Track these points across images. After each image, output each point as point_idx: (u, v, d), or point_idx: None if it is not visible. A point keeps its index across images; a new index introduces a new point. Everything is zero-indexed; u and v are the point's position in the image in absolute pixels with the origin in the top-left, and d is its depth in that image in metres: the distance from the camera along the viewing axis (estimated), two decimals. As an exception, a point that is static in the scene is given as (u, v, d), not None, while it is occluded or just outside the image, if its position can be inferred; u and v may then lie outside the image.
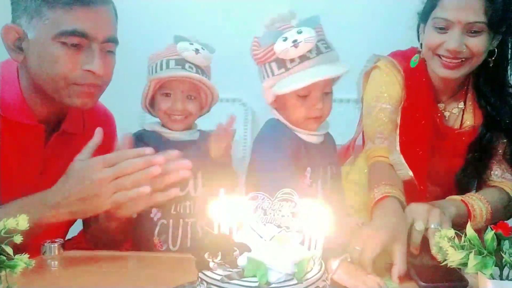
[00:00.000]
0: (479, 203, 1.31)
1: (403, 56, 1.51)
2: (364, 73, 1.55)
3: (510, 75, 1.46)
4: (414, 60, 1.46)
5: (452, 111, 1.47)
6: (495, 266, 0.85)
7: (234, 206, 0.83)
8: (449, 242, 0.90)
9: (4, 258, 0.82)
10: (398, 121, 1.44)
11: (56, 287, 0.95)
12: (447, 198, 1.34)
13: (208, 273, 0.75)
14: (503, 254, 0.85)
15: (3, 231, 0.83)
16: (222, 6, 2.58)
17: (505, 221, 0.89)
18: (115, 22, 1.19)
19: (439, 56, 1.36)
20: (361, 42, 2.21)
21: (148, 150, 1.09)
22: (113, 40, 1.18)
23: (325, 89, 1.21)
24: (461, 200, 1.31)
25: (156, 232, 1.28)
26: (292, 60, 1.17)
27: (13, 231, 0.84)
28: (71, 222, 1.37)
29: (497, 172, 1.43)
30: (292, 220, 0.80)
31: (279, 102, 1.25)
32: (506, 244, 0.86)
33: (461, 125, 1.46)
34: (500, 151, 1.43)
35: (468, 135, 1.44)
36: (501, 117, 1.40)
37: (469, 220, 1.28)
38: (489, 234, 0.87)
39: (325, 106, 1.22)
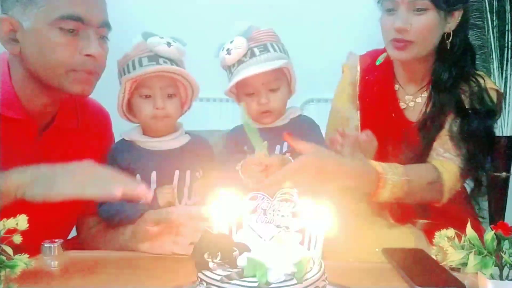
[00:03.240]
0: (394, 177, 1.26)
1: (371, 55, 1.58)
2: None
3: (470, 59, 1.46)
4: (381, 58, 1.52)
5: (416, 100, 1.49)
6: (495, 266, 0.85)
7: (233, 206, 0.83)
8: (449, 242, 0.90)
9: (4, 258, 0.82)
10: (358, 122, 1.53)
11: (56, 287, 0.95)
12: (368, 162, 1.28)
13: (208, 273, 0.75)
14: (503, 254, 0.85)
15: (2, 231, 0.83)
16: (221, 5, 2.58)
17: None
18: (106, 7, 1.20)
19: (391, 40, 1.39)
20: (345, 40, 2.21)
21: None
22: (107, 25, 1.19)
23: (270, 86, 1.35)
24: (376, 170, 1.26)
25: None
26: (233, 65, 1.36)
27: (13, 231, 0.84)
28: (72, 223, 1.36)
29: (438, 151, 1.40)
30: (292, 220, 0.80)
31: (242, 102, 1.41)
32: (506, 244, 0.86)
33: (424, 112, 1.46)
34: (446, 128, 1.41)
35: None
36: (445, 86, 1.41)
37: (376, 188, 1.26)
38: (489, 234, 0.87)
39: (272, 102, 1.35)
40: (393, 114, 1.50)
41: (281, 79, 1.38)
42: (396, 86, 1.53)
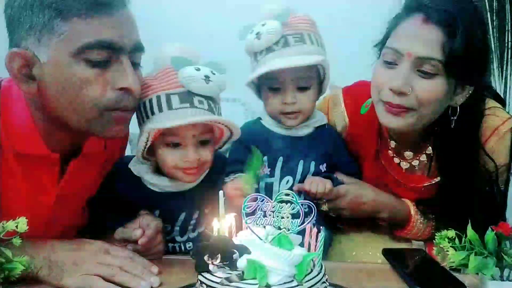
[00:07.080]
0: (420, 226, 1.24)
1: (355, 96, 1.29)
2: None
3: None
4: (366, 106, 1.25)
5: (420, 158, 1.25)
6: (496, 267, 0.85)
7: (233, 208, 0.83)
8: (449, 242, 0.90)
9: (3, 260, 0.82)
10: None
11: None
12: (403, 199, 1.26)
13: (208, 275, 0.75)
14: (503, 255, 0.85)
15: (2, 234, 0.83)
16: (221, 5, 2.57)
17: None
18: (137, 26, 0.99)
19: (383, 102, 1.12)
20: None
21: (154, 269, 1.00)
22: (140, 48, 0.99)
23: (299, 83, 1.18)
24: (409, 212, 1.23)
25: None
26: (260, 52, 1.18)
27: (12, 233, 0.84)
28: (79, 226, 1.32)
29: None
30: (292, 222, 0.80)
31: (263, 96, 1.26)
32: (506, 245, 0.86)
33: (429, 172, 1.25)
34: None
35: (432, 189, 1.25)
36: (454, 188, 1.19)
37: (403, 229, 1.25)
38: (490, 235, 0.87)
39: (299, 102, 1.18)
40: (400, 180, 1.26)
41: (313, 77, 1.19)
42: (392, 143, 1.26)
